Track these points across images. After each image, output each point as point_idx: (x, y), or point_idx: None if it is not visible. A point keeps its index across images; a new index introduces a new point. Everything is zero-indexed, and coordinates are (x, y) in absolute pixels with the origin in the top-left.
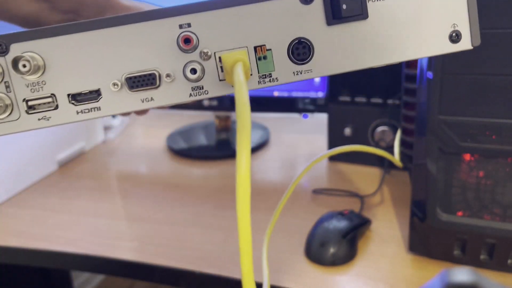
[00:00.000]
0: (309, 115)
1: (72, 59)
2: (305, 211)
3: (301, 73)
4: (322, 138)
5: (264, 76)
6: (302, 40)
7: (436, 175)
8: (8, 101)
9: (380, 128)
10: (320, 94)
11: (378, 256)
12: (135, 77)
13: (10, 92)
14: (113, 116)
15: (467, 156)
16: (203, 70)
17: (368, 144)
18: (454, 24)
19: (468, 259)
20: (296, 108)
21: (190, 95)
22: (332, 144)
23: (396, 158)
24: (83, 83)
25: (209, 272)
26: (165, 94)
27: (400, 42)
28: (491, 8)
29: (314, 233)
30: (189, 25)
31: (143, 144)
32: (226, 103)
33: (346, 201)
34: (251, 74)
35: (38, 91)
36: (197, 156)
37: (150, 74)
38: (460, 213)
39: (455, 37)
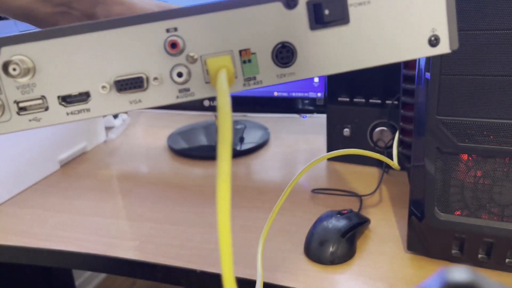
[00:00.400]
0: (309, 115)
1: (61, 62)
2: (304, 210)
3: (284, 76)
4: (321, 138)
5: (249, 79)
6: (285, 44)
7: (434, 175)
8: None
9: (378, 128)
10: (319, 95)
11: (377, 255)
12: (123, 80)
13: (1, 94)
14: (115, 117)
15: (465, 156)
16: (189, 73)
17: (367, 144)
18: (433, 28)
19: (466, 258)
20: (295, 108)
21: (177, 97)
22: (331, 144)
23: (394, 160)
24: (73, 85)
25: (209, 271)
26: (152, 96)
27: (380, 46)
28: (488, 9)
29: (314, 232)
30: (175, 29)
31: (144, 144)
32: None
33: (345, 201)
34: (236, 77)
35: (29, 93)
36: (197, 156)
37: (138, 78)
38: (458, 213)
39: (434, 41)
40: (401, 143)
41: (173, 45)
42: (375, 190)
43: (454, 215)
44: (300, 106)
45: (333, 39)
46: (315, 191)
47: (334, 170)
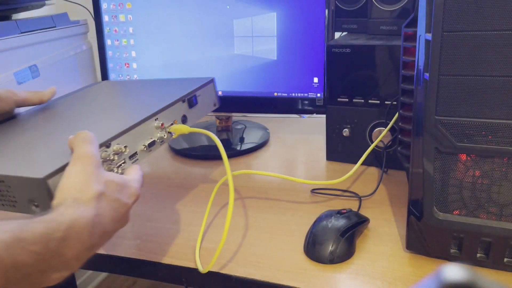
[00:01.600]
0: (308, 115)
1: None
2: (304, 210)
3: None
4: (321, 139)
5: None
6: None
7: (432, 174)
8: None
9: (377, 129)
10: (319, 95)
11: (376, 254)
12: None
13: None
14: None
15: (464, 156)
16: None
17: (366, 144)
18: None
19: (464, 257)
20: (295, 109)
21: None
22: (330, 144)
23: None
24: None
25: (210, 270)
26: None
27: None
28: (486, 10)
29: (313, 232)
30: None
31: None
32: (227, 104)
33: (345, 200)
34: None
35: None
36: (198, 156)
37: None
38: (456, 212)
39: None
40: (400, 143)
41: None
42: (375, 190)
43: (453, 214)
44: (299, 107)
45: None
46: (315, 191)
47: (333, 170)
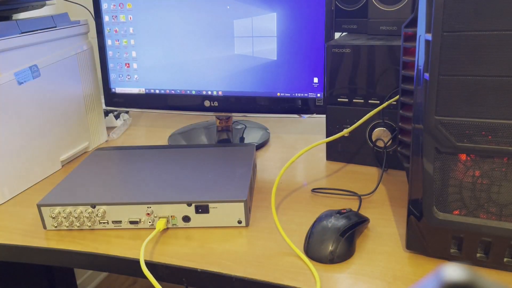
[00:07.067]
0: (308, 115)
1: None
2: (304, 210)
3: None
4: (321, 139)
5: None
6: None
7: (432, 174)
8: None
9: (377, 129)
10: (319, 95)
11: (376, 254)
12: (131, 220)
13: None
14: (116, 117)
15: (464, 156)
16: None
17: (366, 144)
18: (239, 218)
19: (464, 257)
20: (295, 109)
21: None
22: (330, 144)
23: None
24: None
25: (210, 270)
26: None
27: (220, 221)
28: (486, 10)
29: (313, 232)
30: (150, 207)
31: (145, 144)
32: (227, 104)
33: (345, 200)
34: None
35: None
36: None
37: (136, 221)
38: (456, 212)
39: (239, 222)
40: (400, 143)
41: (148, 214)
42: (375, 190)
43: (453, 214)
44: (300, 107)
45: (205, 217)
46: (315, 190)
47: (333, 169)
